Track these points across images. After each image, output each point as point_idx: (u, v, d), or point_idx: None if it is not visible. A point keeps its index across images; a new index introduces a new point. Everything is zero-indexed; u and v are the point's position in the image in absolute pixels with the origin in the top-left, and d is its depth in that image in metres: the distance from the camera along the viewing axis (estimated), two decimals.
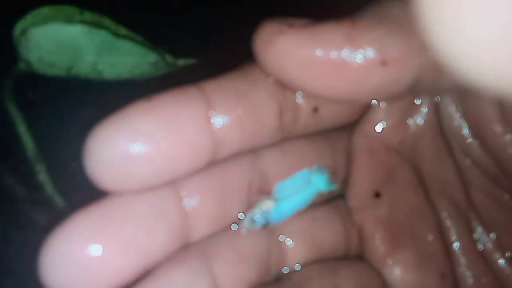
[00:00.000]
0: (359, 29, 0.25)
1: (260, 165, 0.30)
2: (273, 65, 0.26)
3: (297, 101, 0.29)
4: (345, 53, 0.24)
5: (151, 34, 0.38)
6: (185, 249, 0.28)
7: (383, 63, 0.24)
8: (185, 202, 0.27)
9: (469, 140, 0.30)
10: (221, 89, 0.27)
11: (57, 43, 0.36)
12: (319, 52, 0.25)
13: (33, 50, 0.37)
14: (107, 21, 0.36)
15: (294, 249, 0.30)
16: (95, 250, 0.24)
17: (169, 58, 0.38)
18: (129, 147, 0.24)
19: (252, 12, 0.27)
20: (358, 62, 0.24)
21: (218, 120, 0.26)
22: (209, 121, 0.26)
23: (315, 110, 0.29)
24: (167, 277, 0.26)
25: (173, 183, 0.27)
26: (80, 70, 0.37)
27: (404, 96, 0.27)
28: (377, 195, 0.32)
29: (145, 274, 0.27)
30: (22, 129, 0.38)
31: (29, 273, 0.25)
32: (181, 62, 0.38)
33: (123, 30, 0.36)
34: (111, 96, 0.39)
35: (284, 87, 0.28)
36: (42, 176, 0.39)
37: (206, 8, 0.39)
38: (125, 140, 0.24)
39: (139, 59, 0.37)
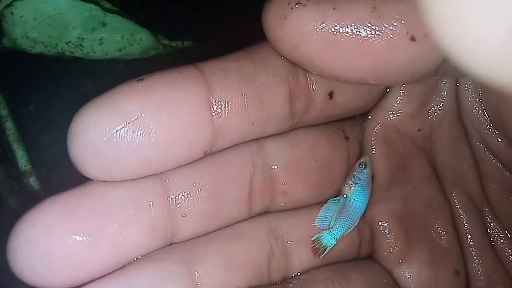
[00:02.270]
0: (385, 1, 0.22)
1: (264, 158, 0.27)
2: (288, 42, 0.23)
3: (311, 85, 0.26)
4: (371, 28, 0.22)
5: (140, 15, 0.36)
6: (167, 248, 0.25)
7: (412, 38, 0.22)
8: (171, 196, 0.25)
9: (489, 128, 0.27)
10: (222, 70, 0.24)
11: (42, 16, 0.34)
12: (341, 27, 0.22)
13: (17, 25, 0.35)
14: None
15: (300, 253, 0.28)
16: (59, 239, 0.22)
17: (162, 38, 0.36)
18: (115, 132, 0.22)
19: None
20: (385, 37, 0.22)
21: (219, 105, 0.24)
22: (208, 106, 0.24)
23: (331, 95, 0.26)
24: (132, 276, 0.24)
25: (160, 174, 0.24)
26: (65, 47, 0.35)
27: (430, 77, 0.25)
28: (391, 187, 0.30)
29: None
30: (2, 110, 0.36)
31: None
32: (176, 43, 0.36)
33: (112, 6, 0.35)
34: (99, 77, 0.37)
35: (296, 69, 0.25)
36: (20, 158, 0.37)
37: None
38: (111, 124, 0.22)
39: (129, 37, 0.35)
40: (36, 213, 0.23)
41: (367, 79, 0.24)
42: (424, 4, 0.12)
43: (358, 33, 0.22)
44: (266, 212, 0.28)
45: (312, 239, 0.28)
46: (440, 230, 0.29)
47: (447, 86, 0.28)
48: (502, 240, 0.29)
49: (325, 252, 0.28)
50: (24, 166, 0.37)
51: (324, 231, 0.28)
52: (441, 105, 0.28)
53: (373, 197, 0.29)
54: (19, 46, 0.36)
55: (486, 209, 0.29)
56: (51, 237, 0.22)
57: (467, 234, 0.29)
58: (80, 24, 0.34)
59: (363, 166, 0.28)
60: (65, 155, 0.23)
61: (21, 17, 0.34)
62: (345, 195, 0.28)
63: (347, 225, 0.28)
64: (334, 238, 0.28)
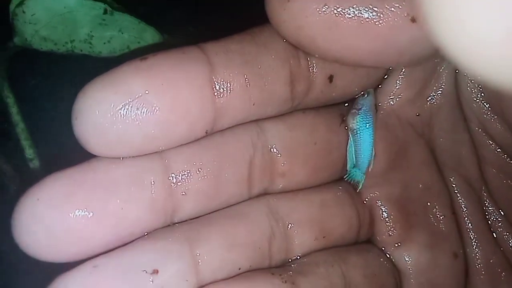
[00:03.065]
0: None
1: (264, 140, 0.27)
2: (291, 25, 0.24)
3: (311, 68, 0.26)
4: (372, 9, 0.23)
5: (146, 13, 0.37)
6: (169, 228, 0.26)
7: (413, 19, 0.22)
8: (172, 175, 0.25)
9: (488, 113, 0.28)
10: (225, 51, 0.25)
11: (53, 15, 0.35)
12: (344, 8, 0.23)
13: (28, 23, 0.36)
14: None
15: (301, 236, 0.28)
16: (62, 213, 0.23)
17: (167, 35, 0.37)
18: (119, 109, 0.23)
19: None
20: (386, 18, 0.23)
21: (221, 85, 0.24)
22: (210, 86, 0.24)
23: (331, 78, 0.27)
24: (133, 253, 0.24)
25: (161, 152, 0.25)
26: (75, 45, 0.36)
27: (430, 59, 0.25)
28: (389, 172, 0.30)
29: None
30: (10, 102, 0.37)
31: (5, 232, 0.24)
32: (180, 40, 0.37)
33: (120, 5, 0.36)
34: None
35: (298, 52, 0.26)
36: (29, 156, 0.38)
37: None
38: (115, 101, 0.23)
39: (137, 35, 0.36)
40: (40, 188, 0.23)
41: (369, 60, 0.25)
42: (424, 4, 0.12)
43: (360, 14, 0.23)
44: (265, 194, 0.28)
45: (345, 177, 0.30)
46: (438, 214, 0.30)
47: (446, 72, 0.28)
48: (500, 224, 0.30)
49: (360, 187, 0.30)
50: (33, 163, 0.38)
51: (352, 169, 0.29)
52: (440, 90, 0.29)
53: (372, 181, 0.30)
54: (29, 45, 0.37)
55: (485, 193, 0.30)
56: (54, 211, 0.23)
57: (466, 218, 0.30)
58: (90, 22, 0.35)
59: (366, 95, 0.28)
60: (76, 151, 0.24)
61: (32, 15, 0.36)
62: (349, 127, 0.29)
63: (367, 157, 0.29)
64: (362, 173, 0.29)
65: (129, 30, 0.36)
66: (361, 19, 0.23)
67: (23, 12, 0.35)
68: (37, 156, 0.40)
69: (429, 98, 0.29)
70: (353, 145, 0.29)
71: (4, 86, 0.39)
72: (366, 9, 0.23)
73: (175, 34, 0.38)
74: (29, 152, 0.40)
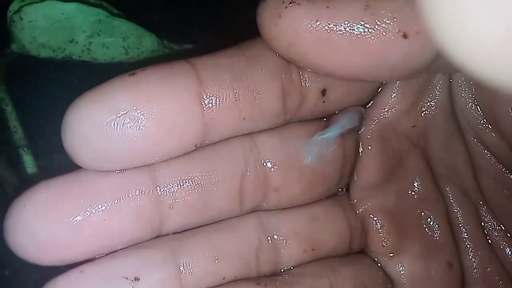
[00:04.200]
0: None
1: (257, 154, 0.27)
2: (283, 41, 0.24)
3: (304, 82, 0.26)
4: (364, 26, 0.23)
5: (145, 19, 0.37)
6: (154, 238, 0.26)
7: (405, 35, 0.22)
8: (159, 187, 0.25)
9: (482, 123, 0.28)
10: (215, 65, 0.25)
11: (51, 21, 0.35)
12: (335, 25, 0.23)
13: (26, 30, 0.36)
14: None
15: (289, 249, 0.28)
16: (45, 221, 0.24)
17: (166, 42, 0.37)
18: (106, 124, 0.23)
19: None
20: (378, 34, 0.23)
21: (210, 100, 0.24)
22: (199, 101, 0.24)
23: (323, 92, 0.27)
24: (116, 261, 0.25)
25: (150, 166, 0.25)
26: (73, 51, 0.36)
27: (423, 74, 0.26)
28: (384, 183, 0.30)
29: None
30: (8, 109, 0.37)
31: None
32: (180, 46, 0.37)
33: (118, 10, 0.35)
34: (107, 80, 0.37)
35: (290, 66, 0.26)
36: (27, 162, 0.37)
37: None
38: (102, 117, 0.23)
39: (135, 41, 0.36)
40: (28, 195, 0.25)
41: (362, 76, 0.25)
42: (423, 4, 0.12)
43: (351, 31, 0.23)
44: (258, 209, 0.28)
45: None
46: (433, 224, 0.30)
47: (440, 82, 0.29)
48: (496, 233, 0.30)
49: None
50: (31, 169, 0.38)
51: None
52: (434, 101, 0.29)
53: (366, 192, 0.30)
54: (27, 51, 0.37)
55: (481, 202, 0.30)
56: (38, 218, 0.24)
57: (461, 228, 0.30)
58: (88, 28, 0.35)
59: (348, 112, 0.28)
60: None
61: (29, 22, 0.35)
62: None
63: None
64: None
65: (128, 36, 0.36)
66: (353, 35, 0.23)
67: (21, 18, 0.35)
68: (36, 162, 0.39)
69: (424, 109, 0.29)
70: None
71: (2, 93, 0.39)
72: (358, 25, 0.23)
73: (175, 40, 0.37)
74: (27, 159, 0.39)
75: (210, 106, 0.25)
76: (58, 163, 0.37)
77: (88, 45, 0.36)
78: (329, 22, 0.23)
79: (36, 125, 0.38)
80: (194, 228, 0.27)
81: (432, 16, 0.12)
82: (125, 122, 0.23)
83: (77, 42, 0.36)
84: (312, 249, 0.28)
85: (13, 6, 0.35)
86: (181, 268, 0.26)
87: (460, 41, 0.12)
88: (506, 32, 0.11)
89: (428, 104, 0.29)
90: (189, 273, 0.26)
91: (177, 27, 0.38)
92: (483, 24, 0.11)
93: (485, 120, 0.28)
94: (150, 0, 0.38)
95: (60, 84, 0.38)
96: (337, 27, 0.23)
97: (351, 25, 0.23)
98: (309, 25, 0.23)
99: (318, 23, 0.23)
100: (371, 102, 0.30)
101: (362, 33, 0.23)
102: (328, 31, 0.23)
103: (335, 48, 0.23)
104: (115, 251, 0.26)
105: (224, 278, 0.27)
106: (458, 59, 0.12)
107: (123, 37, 0.35)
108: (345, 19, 0.23)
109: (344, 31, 0.23)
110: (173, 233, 0.27)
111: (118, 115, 0.23)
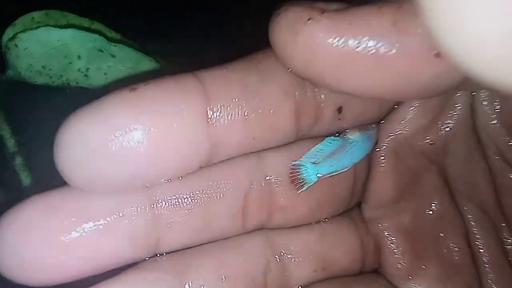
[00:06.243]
0: (407, 14, 0.20)
1: (263, 171, 0.26)
2: (300, 60, 0.21)
3: (319, 100, 0.25)
4: (392, 44, 0.20)
5: (143, 41, 0.36)
6: (157, 259, 0.25)
7: (437, 54, 0.20)
8: (156, 205, 0.24)
9: (505, 140, 0.27)
10: (224, 79, 0.23)
11: (47, 48, 0.34)
12: (359, 43, 0.20)
13: (22, 57, 0.35)
14: (98, 25, 0.34)
15: (298, 268, 0.27)
16: (31, 240, 0.22)
17: (164, 64, 0.36)
18: (101, 145, 0.21)
19: (253, 8, 0.24)
20: (407, 54, 0.20)
21: (217, 119, 0.22)
22: (205, 120, 0.22)
23: (339, 110, 0.25)
24: (120, 286, 0.24)
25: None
26: (70, 78, 0.35)
27: (451, 92, 0.24)
28: (399, 201, 0.29)
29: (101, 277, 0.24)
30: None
31: None
32: (177, 69, 0.36)
33: (116, 35, 0.35)
34: None
35: (304, 82, 0.24)
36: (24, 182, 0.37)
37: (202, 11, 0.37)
38: (97, 136, 0.21)
39: (134, 66, 0.35)
40: (13, 213, 0.23)
41: (385, 97, 0.23)
42: (423, 4, 0.12)
43: (377, 49, 0.20)
44: (262, 228, 0.27)
45: (292, 165, 0.26)
46: (452, 245, 0.29)
47: (462, 98, 0.27)
48: None
49: (303, 188, 0.25)
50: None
51: (307, 163, 0.26)
52: (455, 116, 0.28)
53: (379, 211, 0.29)
54: (23, 78, 0.36)
55: (502, 224, 0.29)
56: (23, 237, 0.22)
57: (481, 249, 0.29)
58: (85, 54, 0.34)
59: (358, 131, 0.26)
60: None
61: (25, 49, 0.34)
62: (346, 137, 0.26)
63: (336, 167, 0.26)
64: (316, 174, 0.26)
65: (126, 61, 0.35)
66: (379, 54, 0.20)
67: (16, 46, 0.34)
68: (35, 187, 0.39)
69: (444, 125, 0.28)
70: (335, 149, 0.26)
71: (0, 118, 0.38)
72: (384, 43, 0.20)
73: (174, 62, 0.37)
74: (26, 184, 0.39)
75: (217, 125, 0.23)
76: (57, 188, 0.37)
77: (86, 71, 0.35)
78: (353, 39, 0.21)
79: (34, 150, 0.37)
80: (197, 245, 0.26)
81: (431, 16, 0.12)
82: (124, 143, 0.21)
83: (74, 69, 0.35)
84: (323, 268, 0.27)
85: (7, 33, 0.35)
86: None
87: (460, 42, 0.11)
88: (505, 32, 0.11)
89: (449, 120, 0.28)
90: None
91: (178, 48, 0.37)
92: (483, 24, 0.11)
93: (508, 136, 0.27)
94: (148, 26, 0.37)
95: (58, 109, 0.37)
96: (361, 45, 0.20)
97: (378, 43, 0.20)
98: (331, 44, 0.21)
99: (341, 40, 0.21)
100: (385, 116, 0.28)
101: (390, 52, 0.20)
102: (351, 49, 0.21)
103: (359, 68, 0.21)
104: (117, 275, 0.24)
105: None
106: (458, 59, 0.12)
107: (121, 62, 0.35)
108: (371, 36, 0.20)
109: (369, 50, 0.20)
110: (175, 251, 0.25)
111: (116, 135, 0.21)
